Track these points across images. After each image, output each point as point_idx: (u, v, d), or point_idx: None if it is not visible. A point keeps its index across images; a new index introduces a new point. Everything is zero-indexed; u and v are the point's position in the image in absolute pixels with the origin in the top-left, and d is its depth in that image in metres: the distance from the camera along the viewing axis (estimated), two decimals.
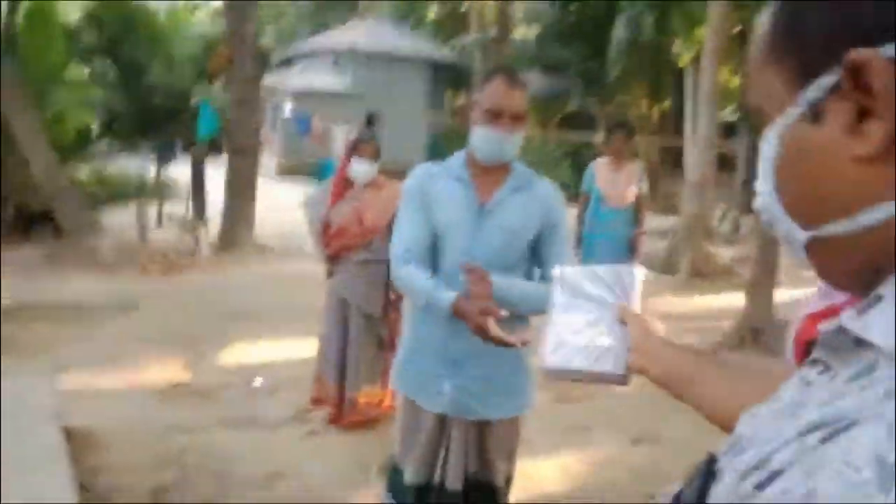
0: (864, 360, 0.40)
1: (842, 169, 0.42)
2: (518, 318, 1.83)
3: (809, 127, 0.43)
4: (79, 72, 12.55)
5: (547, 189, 1.91)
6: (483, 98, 1.81)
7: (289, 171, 18.35)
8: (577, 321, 1.03)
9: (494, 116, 1.77)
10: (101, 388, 3.81)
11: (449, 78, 23.73)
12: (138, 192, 13.06)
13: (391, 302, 3.45)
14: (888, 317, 0.39)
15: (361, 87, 20.08)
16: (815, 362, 0.45)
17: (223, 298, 5.66)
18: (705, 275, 7.43)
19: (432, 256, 1.88)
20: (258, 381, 4.06)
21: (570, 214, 5.51)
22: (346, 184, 3.41)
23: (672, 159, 16.01)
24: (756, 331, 5.04)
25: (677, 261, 7.57)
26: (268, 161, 18.46)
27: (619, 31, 14.38)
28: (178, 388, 3.91)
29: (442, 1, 26.06)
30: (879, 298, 0.40)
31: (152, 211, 9.81)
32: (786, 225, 0.47)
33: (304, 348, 4.09)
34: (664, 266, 7.73)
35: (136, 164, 14.55)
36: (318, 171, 13.23)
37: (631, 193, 4.89)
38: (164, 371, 4.16)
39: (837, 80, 0.41)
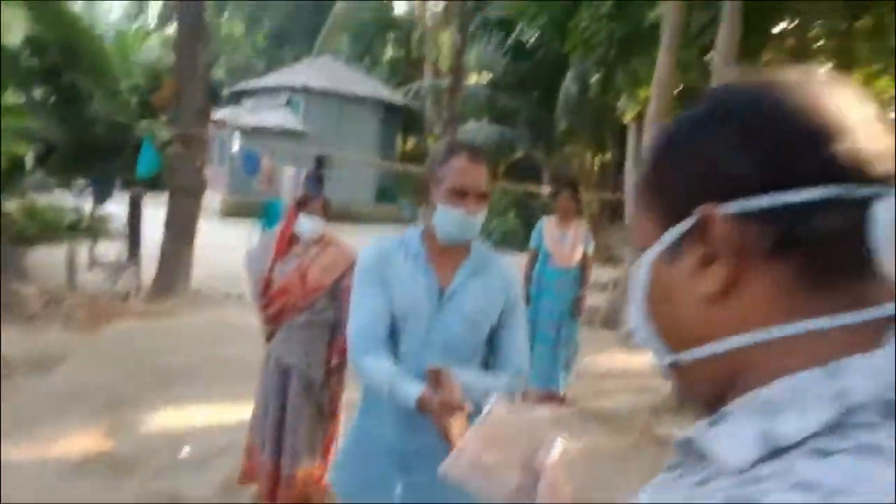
0: (707, 470, 0.45)
1: (692, 304, 0.49)
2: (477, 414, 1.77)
3: (667, 266, 0.51)
4: (15, 98, 12.03)
5: (505, 270, 1.85)
6: (445, 176, 1.71)
7: (234, 210, 17.96)
8: (497, 445, 1.05)
9: (458, 196, 1.69)
10: (11, 461, 3.50)
11: (400, 120, 23.96)
12: (71, 229, 12.47)
13: (333, 367, 3.29)
14: (729, 433, 0.44)
15: (313, 126, 20.02)
16: (674, 466, 0.50)
17: (154, 353, 5.38)
18: None
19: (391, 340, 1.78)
20: (186, 451, 3.82)
21: (516, 264, 5.57)
22: (290, 240, 3.27)
23: (611, 211, 16.48)
24: None
25: (619, 315, 7.68)
26: (212, 200, 18.04)
27: (568, 85, 14.88)
28: (98, 459, 3.64)
29: (396, 45, 26.48)
30: (726, 415, 0.46)
31: (84, 251, 9.35)
32: (654, 346, 0.54)
33: (239, 412, 3.88)
34: (606, 321, 7.83)
35: (71, 200, 13.95)
36: (264, 213, 12.98)
37: (578, 253, 4.94)
38: (84, 439, 3.87)
39: (690, 227, 0.49)
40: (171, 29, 8.39)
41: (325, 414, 3.24)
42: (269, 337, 3.31)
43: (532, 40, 16.43)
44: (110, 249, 9.53)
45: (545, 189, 14.70)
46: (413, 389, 1.60)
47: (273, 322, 3.26)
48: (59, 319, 6.48)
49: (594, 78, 13.15)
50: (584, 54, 11.38)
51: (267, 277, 3.23)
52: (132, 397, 4.55)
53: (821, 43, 14.68)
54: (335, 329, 3.17)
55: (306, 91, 20.17)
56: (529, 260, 5.03)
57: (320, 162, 19.68)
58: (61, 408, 4.30)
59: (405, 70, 25.52)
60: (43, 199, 13.48)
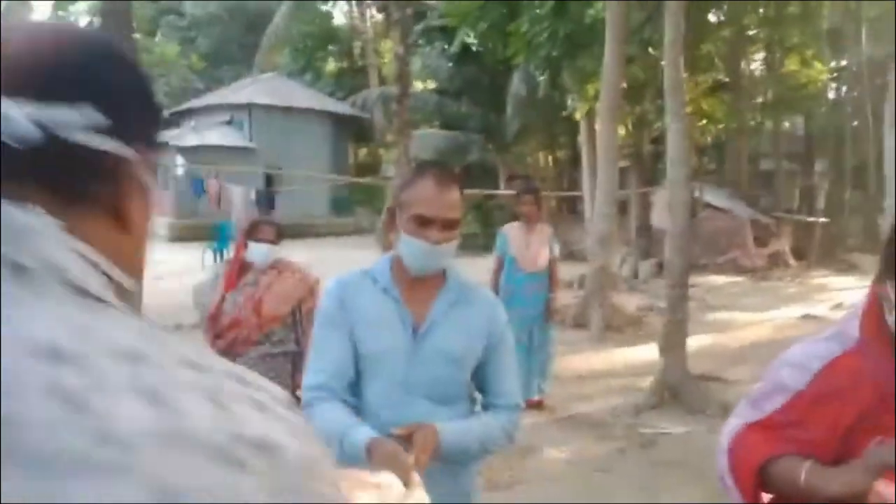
0: None
1: None
2: (462, 464, 1.58)
3: None
4: None
5: (486, 300, 1.67)
6: (410, 202, 1.52)
7: (184, 234, 17.30)
8: None
9: (424, 224, 1.50)
10: None
11: (351, 131, 23.68)
12: None
13: (298, 400, 3.07)
14: None
15: (260, 142, 19.56)
16: None
17: None
18: (616, 327, 7.50)
19: (356, 384, 1.58)
20: None
21: (482, 267, 5.33)
22: (242, 269, 3.06)
23: (569, 207, 16.57)
24: (673, 389, 5.03)
25: (587, 315, 7.60)
26: (160, 224, 17.38)
27: (516, 87, 14.90)
28: None
29: (338, 57, 26.19)
30: None
31: None
32: None
33: None
34: (576, 320, 7.74)
35: None
36: (215, 235, 12.52)
37: (543, 257, 4.84)
38: None
39: None
40: None
41: None
42: None
43: (475, 45, 16.43)
44: None
45: (504, 191, 14.65)
46: (362, 434, 1.42)
47: (226, 356, 3.00)
48: None
49: (541, 78, 13.20)
50: (528, 56, 11.39)
51: (216, 309, 3.01)
52: None
53: (754, 32, 15.14)
54: (297, 359, 3.01)
55: (251, 107, 19.71)
56: (496, 268, 4.91)
57: (269, 179, 19.19)
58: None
59: (350, 81, 25.27)
60: None
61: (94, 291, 0.48)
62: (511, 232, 4.89)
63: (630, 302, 9.09)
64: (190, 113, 21.85)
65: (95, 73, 0.53)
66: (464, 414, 1.61)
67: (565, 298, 8.25)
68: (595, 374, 6.02)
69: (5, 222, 0.46)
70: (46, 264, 0.48)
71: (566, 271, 11.33)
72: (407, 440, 1.42)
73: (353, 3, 25.36)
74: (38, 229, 0.48)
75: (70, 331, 0.44)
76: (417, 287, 1.58)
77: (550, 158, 18.55)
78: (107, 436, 0.40)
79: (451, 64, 17.29)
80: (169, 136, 19.28)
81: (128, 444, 0.40)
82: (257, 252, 2.99)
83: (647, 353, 6.12)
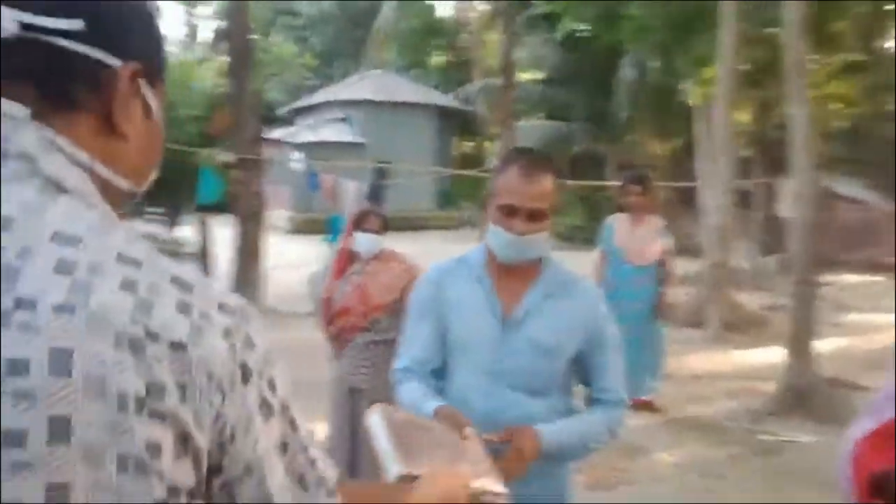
0: None
1: None
2: (558, 461, 1.55)
3: None
4: None
5: (586, 291, 1.62)
6: (497, 190, 1.53)
7: (302, 227, 18.25)
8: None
9: (509, 214, 1.49)
10: None
11: (456, 125, 23.87)
12: None
13: None
14: None
15: (370, 137, 20.18)
16: None
17: None
18: (736, 327, 7.06)
19: (444, 370, 1.62)
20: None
21: (588, 260, 5.19)
22: (349, 259, 3.19)
23: (685, 199, 15.77)
24: (799, 395, 4.67)
25: (704, 313, 7.21)
26: (279, 218, 18.42)
27: (625, 73, 14.36)
28: None
29: (443, 50, 26.45)
30: None
31: None
32: None
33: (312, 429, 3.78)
34: (690, 319, 7.37)
35: (146, 227, 14.50)
36: (329, 227, 13.09)
37: (653, 249, 4.63)
38: None
39: None
40: (223, 56, 8.57)
41: None
42: (337, 356, 3.21)
43: (582, 32, 15.98)
44: None
45: (610, 182, 14.21)
46: (429, 406, 1.48)
47: (336, 342, 3.17)
48: None
49: (652, 63, 12.64)
50: (638, 41, 10.92)
51: (327, 297, 3.15)
52: None
53: (893, 7, 13.61)
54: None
55: (361, 104, 20.38)
56: (600, 261, 4.77)
57: (380, 173, 19.85)
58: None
59: (455, 74, 25.45)
60: None
61: (54, 177, 0.57)
62: (617, 223, 4.73)
63: (753, 300, 8.53)
64: (304, 111, 22.94)
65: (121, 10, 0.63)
66: (557, 406, 1.57)
67: (679, 295, 7.89)
68: (711, 376, 5.71)
69: None
70: (21, 154, 0.57)
71: (681, 266, 10.82)
72: (504, 443, 1.41)
73: None
74: (17, 120, 0.57)
75: (19, 210, 0.56)
76: (511, 276, 1.56)
77: (664, 147, 17.72)
78: (22, 302, 0.52)
79: (557, 52, 16.93)
80: (284, 133, 20.36)
81: (40, 311, 0.52)
82: (363, 241, 3.10)
83: (771, 355, 5.73)
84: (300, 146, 17.40)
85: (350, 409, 3.05)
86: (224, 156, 10.36)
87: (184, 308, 0.57)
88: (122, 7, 0.63)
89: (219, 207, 12.93)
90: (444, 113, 21.86)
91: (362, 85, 21.01)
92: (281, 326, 7.75)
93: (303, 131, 20.21)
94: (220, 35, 8.41)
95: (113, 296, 0.54)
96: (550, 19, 16.08)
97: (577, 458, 1.63)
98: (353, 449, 3.04)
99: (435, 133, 21.46)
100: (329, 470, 0.68)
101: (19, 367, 0.51)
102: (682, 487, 3.65)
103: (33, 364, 0.51)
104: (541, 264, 1.60)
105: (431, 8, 27.09)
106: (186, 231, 12.02)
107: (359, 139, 20.17)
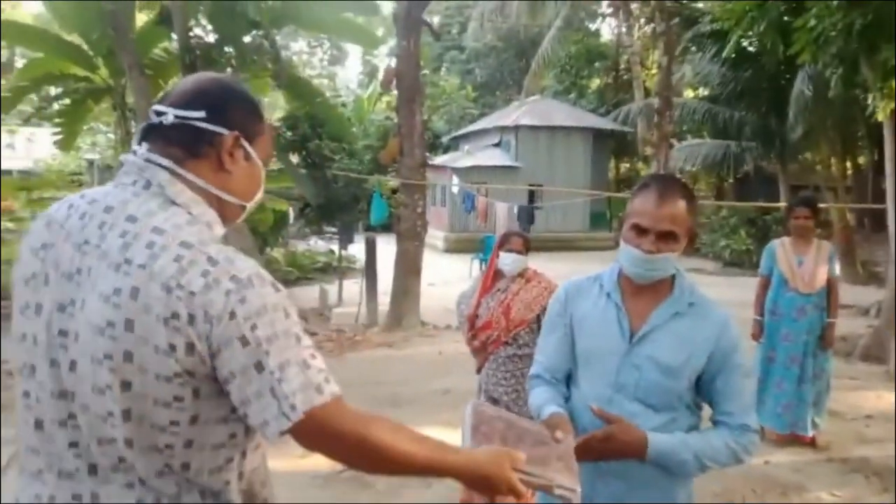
0: None
1: None
2: (677, 476, 1.62)
3: None
4: (277, 165, 14.47)
5: (714, 313, 1.63)
6: (631, 211, 1.62)
7: (456, 246, 19.08)
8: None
9: (640, 234, 1.57)
10: (273, 469, 4.12)
11: (612, 146, 23.52)
12: (323, 271, 14.42)
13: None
14: None
15: (525, 161, 20.60)
16: None
17: (386, 379, 5.94)
18: None
19: (573, 379, 1.74)
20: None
21: (752, 286, 4.96)
22: (495, 276, 3.39)
23: (872, 222, 14.16)
24: None
25: (885, 346, 6.54)
26: (436, 237, 19.41)
27: (800, 88, 13.33)
28: (341, 473, 4.12)
29: (603, 73, 26.20)
30: None
31: (334, 288, 10.68)
32: None
33: (458, 438, 4.12)
34: (868, 352, 6.72)
35: (322, 246, 16.08)
36: (481, 247, 13.64)
37: (820, 277, 4.33)
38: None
39: None
40: (395, 91, 9.42)
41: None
42: (479, 369, 3.44)
43: (752, 47, 15.08)
44: (354, 287, 10.76)
45: (778, 203, 13.19)
46: (547, 411, 1.62)
47: (479, 355, 3.39)
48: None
49: (833, 76, 11.63)
50: (815, 53, 10.14)
51: (473, 313, 3.38)
52: None
53: None
54: None
55: (517, 128, 20.89)
56: (760, 287, 4.54)
57: (532, 196, 20.12)
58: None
59: (613, 95, 25.11)
60: (301, 247, 15.83)
61: (171, 196, 1.09)
62: (780, 247, 4.46)
63: None
64: (465, 137, 23.98)
65: (212, 94, 1.15)
66: (680, 423, 1.61)
67: (857, 327, 7.21)
68: (887, 417, 5.18)
69: (149, 162, 1.12)
70: (158, 184, 1.10)
71: (864, 295, 9.79)
72: (605, 420, 1.53)
73: (621, 17, 25.19)
74: (162, 167, 1.10)
75: (143, 213, 1.07)
76: (642, 294, 1.64)
77: (846, 166, 16.07)
78: (127, 260, 1.02)
79: (724, 69, 16.13)
80: (445, 159, 21.43)
81: (132, 266, 1.02)
82: (507, 260, 3.27)
83: None
84: (458, 171, 18.25)
85: None
86: (392, 181, 11.31)
87: (204, 274, 1.02)
88: (228, 100, 1.16)
89: (385, 228, 14.05)
90: (599, 135, 21.67)
91: (519, 111, 21.54)
92: (435, 339, 8.31)
93: (462, 157, 21.16)
94: (393, 73, 9.18)
95: (167, 264, 1.01)
96: (718, 36, 15.41)
97: (690, 473, 1.62)
98: None
99: (590, 155, 21.32)
100: (302, 394, 1.02)
101: (117, 291, 1.01)
102: None
103: (123, 291, 1.01)
104: (672, 285, 1.64)
105: (596, 33, 27.04)
106: (356, 249, 13.18)
107: (513, 163, 20.66)
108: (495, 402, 3.25)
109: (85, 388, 1.02)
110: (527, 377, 3.07)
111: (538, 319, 3.17)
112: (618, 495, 1.63)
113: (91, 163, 20.31)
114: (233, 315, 1.00)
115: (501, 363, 3.26)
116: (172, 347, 0.99)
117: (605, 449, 1.52)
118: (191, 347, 1.00)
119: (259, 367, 1.01)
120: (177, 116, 1.11)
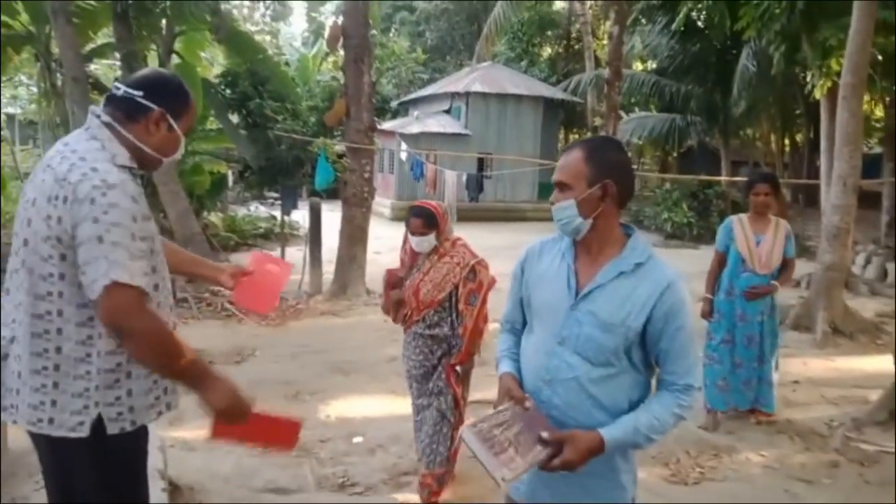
0: None
1: None
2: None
3: None
4: (215, 125, 13.79)
5: (662, 277, 1.65)
6: None
7: (403, 214, 18.77)
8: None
9: (555, 187, 1.73)
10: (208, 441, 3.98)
11: (562, 116, 23.60)
12: (264, 237, 14.00)
13: (456, 377, 3.23)
14: None
15: (474, 128, 20.45)
16: None
17: (331, 347, 5.83)
18: (847, 333, 6.64)
19: (527, 328, 1.85)
20: (357, 439, 4.08)
21: (693, 259, 4.99)
22: (414, 255, 3.24)
23: (806, 198, 14.77)
24: None
25: (814, 317, 6.84)
26: (383, 205, 19.14)
27: (745, 64, 13.62)
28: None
29: (555, 42, 26.13)
30: None
31: (276, 255, 10.38)
32: None
33: (405, 405, 4.07)
34: (799, 322, 7.00)
35: (264, 211, 15.60)
36: None
37: (777, 256, 4.13)
38: None
39: None
40: (342, 50, 9.02)
41: (448, 420, 3.20)
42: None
43: (699, 21, 15.29)
44: (297, 254, 10.48)
45: (724, 177, 13.56)
46: (501, 368, 1.81)
47: (400, 326, 3.32)
48: (253, 317, 7.28)
49: (776, 53, 11.91)
50: (760, 29, 10.33)
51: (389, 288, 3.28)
52: (310, 387, 4.97)
53: None
54: (451, 341, 3.18)
55: (467, 95, 20.66)
56: (715, 263, 4.34)
57: (481, 164, 20.01)
58: (252, 395, 4.80)
59: (565, 65, 25.13)
60: (241, 212, 15.31)
61: (99, 138, 1.65)
62: (738, 225, 4.21)
63: (869, 307, 7.95)
64: (414, 103, 23.57)
65: (152, 80, 1.72)
66: (620, 379, 1.66)
67: (789, 298, 7.50)
68: (813, 382, 5.44)
69: (102, 121, 1.68)
70: (94, 128, 1.67)
71: (796, 269, 10.17)
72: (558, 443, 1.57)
73: None
74: (101, 120, 1.67)
75: (78, 146, 1.64)
76: (593, 255, 1.71)
77: (784, 142, 16.63)
78: (50, 169, 1.62)
79: (673, 42, 16.31)
80: (394, 124, 21.05)
81: (51, 173, 1.61)
82: (413, 242, 3.14)
83: (881, 364, 5.38)
84: (407, 137, 17.95)
85: (409, 387, 3.33)
86: (338, 145, 10.99)
87: (83, 174, 1.53)
88: (163, 86, 1.71)
89: (331, 194, 13.68)
90: (550, 104, 21.66)
91: (470, 77, 21.28)
92: (380, 308, 8.19)
93: (410, 123, 20.81)
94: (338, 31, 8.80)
95: (65, 167, 1.56)
96: (667, 8, 15.54)
97: (641, 449, 1.70)
98: (416, 423, 3.30)
99: (540, 124, 21.32)
100: (121, 269, 1.49)
101: (42, 183, 1.59)
102: (767, 488, 3.59)
103: (44, 183, 1.58)
104: (625, 246, 1.70)
105: (547, 4, 26.83)
106: (299, 215, 12.83)
107: (463, 130, 20.49)
108: (410, 377, 3.28)
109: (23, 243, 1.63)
110: (435, 355, 3.22)
111: (451, 297, 3.12)
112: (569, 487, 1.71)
113: (11, 118, 18.92)
114: (93, 201, 1.50)
115: (412, 339, 3.23)
116: (49, 217, 1.54)
117: (569, 464, 1.56)
118: (59, 220, 1.53)
119: (100, 240, 1.49)
120: (125, 91, 1.67)
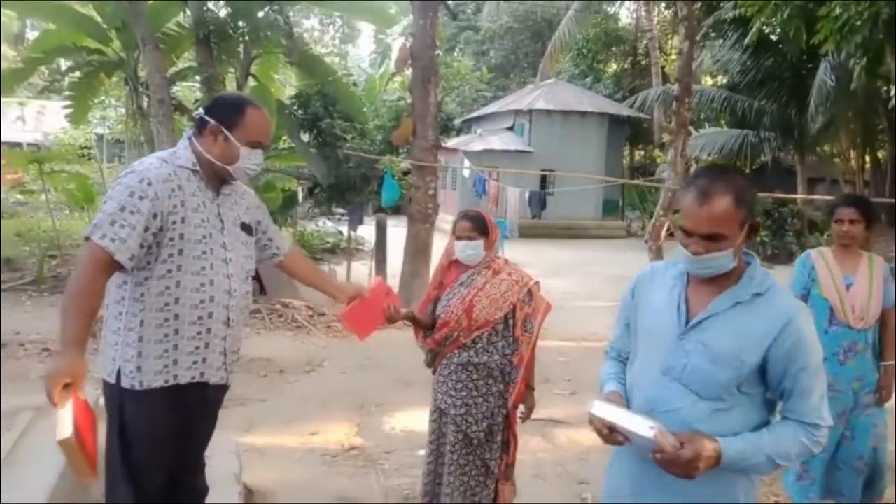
0: None
1: None
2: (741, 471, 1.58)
3: None
4: (287, 144, 14.33)
5: (782, 309, 1.54)
6: (681, 209, 1.61)
7: None
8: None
9: (686, 234, 1.55)
10: (284, 447, 4.13)
11: (627, 133, 23.27)
12: (332, 252, 14.41)
13: (508, 423, 2.78)
14: None
15: (538, 146, 20.42)
16: None
17: (396, 361, 5.92)
18: None
19: (633, 357, 1.78)
20: (422, 451, 4.12)
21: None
22: (457, 267, 2.83)
23: (890, 217, 13.96)
24: None
25: None
26: (447, 220, 19.32)
27: (822, 78, 13.09)
28: (349, 453, 4.11)
29: (621, 58, 25.86)
30: None
31: (343, 270, 10.65)
32: None
33: None
34: None
35: (332, 226, 16.04)
36: None
37: (875, 307, 3.10)
38: (339, 433, 4.41)
39: None
40: (409, 70, 9.23)
41: (492, 473, 2.75)
42: (430, 364, 2.90)
43: (773, 35, 14.80)
44: (363, 269, 10.73)
45: (800, 195, 12.99)
46: (606, 388, 1.75)
47: (435, 354, 2.83)
48: (322, 329, 7.49)
49: (857, 66, 11.40)
50: (840, 42, 9.92)
51: (427, 307, 2.88)
52: (377, 399, 5.07)
53: None
54: (505, 370, 2.74)
55: (531, 112, 20.68)
56: None
57: (544, 181, 19.92)
58: (323, 405, 4.96)
59: (631, 81, 24.80)
60: (310, 227, 15.81)
61: (176, 147, 2.11)
62: (821, 262, 3.21)
63: None
64: (477, 120, 23.78)
65: (214, 101, 2.14)
66: (733, 414, 1.57)
67: None
68: None
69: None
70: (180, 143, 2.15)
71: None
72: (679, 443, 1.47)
73: (640, 1, 24.81)
74: (187, 135, 2.12)
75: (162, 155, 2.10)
76: (707, 283, 1.61)
77: (865, 159, 15.80)
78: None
79: (745, 56, 15.85)
80: (458, 141, 21.27)
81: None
82: (458, 248, 2.76)
83: None
84: (470, 154, 18.10)
85: (438, 431, 2.82)
86: (403, 162, 11.22)
87: (127, 168, 2.00)
88: (217, 102, 2.12)
89: (396, 210, 13.94)
90: (614, 121, 21.42)
91: (533, 95, 21.31)
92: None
93: (474, 140, 20.99)
94: (407, 52, 9.02)
95: (128, 168, 2.00)
96: (739, 22, 15.11)
97: (763, 473, 1.62)
98: (434, 475, 2.82)
99: (604, 141, 21.10)
100: (102, 227, 1.86)
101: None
102: None
103: None
104: (743, 274, 1.60)
105: (614, 16, 26.63)
106: (366, 231, 13.12)
107: (526, 147, 20.48)
108: (443, 413, 2.79)
109: None
110: (480, 391, 2.73)
111: (506, 320, 2.72)
112: (676, 487, 1.59)
113: (101, 137, 20.25)
114: (116, 178, 1.95)
115: (453, 370, 2.74)
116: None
117: (683, 460, 1.47)
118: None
119: (102, 204, 1.90)
120: (197, 112, 2.10)
